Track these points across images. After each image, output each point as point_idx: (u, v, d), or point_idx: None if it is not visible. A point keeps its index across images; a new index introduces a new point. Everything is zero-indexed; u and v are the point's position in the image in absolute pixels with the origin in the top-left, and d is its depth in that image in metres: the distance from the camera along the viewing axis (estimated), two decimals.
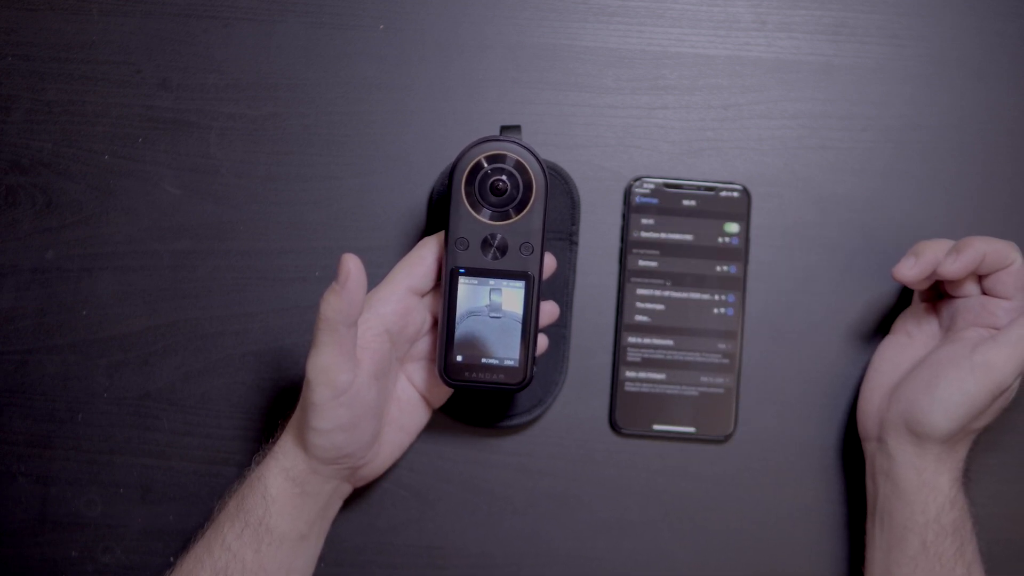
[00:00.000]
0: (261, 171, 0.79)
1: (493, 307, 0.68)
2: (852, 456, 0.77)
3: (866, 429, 0.73)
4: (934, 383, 0.68)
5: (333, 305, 0.63)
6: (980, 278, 0.70)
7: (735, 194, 0.78)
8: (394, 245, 0.78)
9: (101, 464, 0.78)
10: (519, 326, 0.68)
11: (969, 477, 0.70)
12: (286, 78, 0.79)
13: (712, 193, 0.78)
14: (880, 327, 0.78)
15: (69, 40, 0.79)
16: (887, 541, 0.70)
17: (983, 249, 0.68)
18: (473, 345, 0.68)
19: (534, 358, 0.68)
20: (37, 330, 0.78)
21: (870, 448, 0.73)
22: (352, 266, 0.63)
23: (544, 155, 0.78)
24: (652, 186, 0.78)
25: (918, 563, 0.68)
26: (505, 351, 0.68)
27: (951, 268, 0.68)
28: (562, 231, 0.77)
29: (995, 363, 0.67)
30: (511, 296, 0.68)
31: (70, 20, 0.79)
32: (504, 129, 0.69)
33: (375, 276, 0.70)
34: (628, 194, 0.78)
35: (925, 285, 0.71)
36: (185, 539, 0.75)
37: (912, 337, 0.73)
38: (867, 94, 0.79)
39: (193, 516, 0.77)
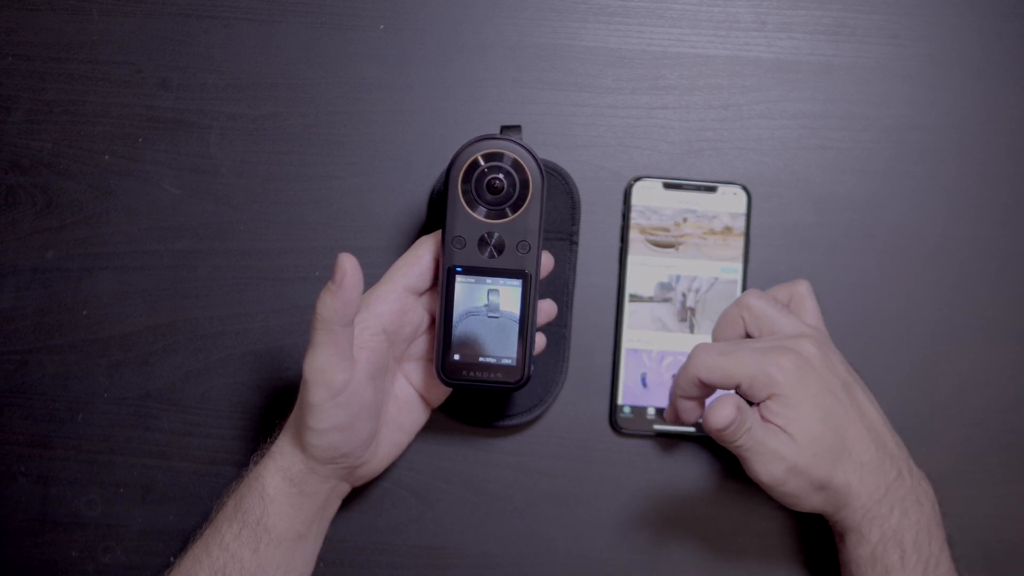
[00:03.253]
0: (261, 171, 0.79)
1: (491, 306, 0.68)
2: None
3: None
4: None
5: (329, 305, 0.63)
6: None
7: (734, 194, 0.78)
8: (394, 245, 0.78)
9: (101, 464, 0.78)
10: (516, 325, 0.68)
11: (905, 507, 0.68)
12: (286, 78, 0.79)
13: (712, 193, 0.78)
14: (879, 327, 0.78)
15: (69, 40, 0.79)
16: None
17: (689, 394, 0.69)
18: (471, 344, 0.68)
19: (532, 357, 0.68)
20: (37, 330, 0.78)
21: None
22: (348, 265, 0.63)
23: (544, 155, 0.78)
24: (656, 194, 0.77)
25: None
26: (503, 350, 0.68)
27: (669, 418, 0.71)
28: (562, 231, 0.77)
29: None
30: (508, 295, 0.67)
31: (70, 20, 0.79)
32: (504, 129, 0.68)
33: (375, 276, 0.70)
34: (628, 194, 0.78)
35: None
36: (185, 539, 0.75)
37: None
38: (867, 94, 0.79)
39: (193, 516, 0.77)
